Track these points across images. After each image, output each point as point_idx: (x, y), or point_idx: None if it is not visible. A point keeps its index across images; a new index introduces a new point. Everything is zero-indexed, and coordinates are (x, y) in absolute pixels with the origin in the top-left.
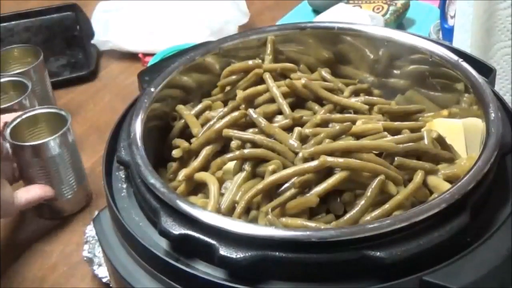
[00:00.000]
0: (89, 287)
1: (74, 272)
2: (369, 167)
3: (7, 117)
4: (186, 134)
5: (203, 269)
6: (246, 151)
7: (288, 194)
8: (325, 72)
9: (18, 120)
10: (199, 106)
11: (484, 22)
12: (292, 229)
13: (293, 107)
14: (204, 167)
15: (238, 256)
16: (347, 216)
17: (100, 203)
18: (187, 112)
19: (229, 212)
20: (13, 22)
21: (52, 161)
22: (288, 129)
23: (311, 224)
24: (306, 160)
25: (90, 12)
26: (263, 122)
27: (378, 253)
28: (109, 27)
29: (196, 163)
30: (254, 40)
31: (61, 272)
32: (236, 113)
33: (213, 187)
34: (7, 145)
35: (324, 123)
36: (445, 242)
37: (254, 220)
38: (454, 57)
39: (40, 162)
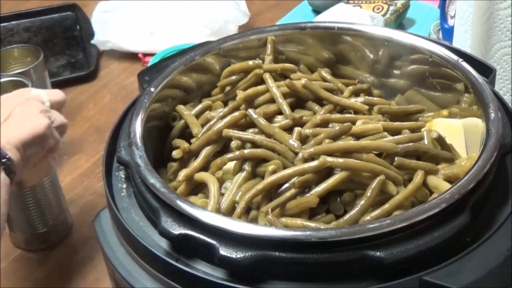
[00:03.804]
0: (89, 287)
1: (74, 271)
2: (369, 167)
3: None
4: (186, 134)
5: (203, 269)
6: (246, 151)
7: (288, 194)
8: (325, 72)
9: None
10: (199, 106)
11: (484, 22)
12: (292, 229)
13: (293, 107)
14: (204, 167)
15: (238, 256)
16: (347, 216)
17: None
18: (187, 112)
19: (229, 212)
20: (13, 22)
21: (33, 190)
22: (288, 129)
23: (311, 224)
24: (306, 160)
25: (90, 12)
26: (263, 122)
27: (378, 253)
28: (109, 27)
29: (196, 163)
30: (254, 40)
31: (61, 272)
32: (236, 114)
33: (213, 187)
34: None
35: (324, 123)
36: (445, 242)
37: (254, 220)
38: (454, 57)
39: (20, 193)
